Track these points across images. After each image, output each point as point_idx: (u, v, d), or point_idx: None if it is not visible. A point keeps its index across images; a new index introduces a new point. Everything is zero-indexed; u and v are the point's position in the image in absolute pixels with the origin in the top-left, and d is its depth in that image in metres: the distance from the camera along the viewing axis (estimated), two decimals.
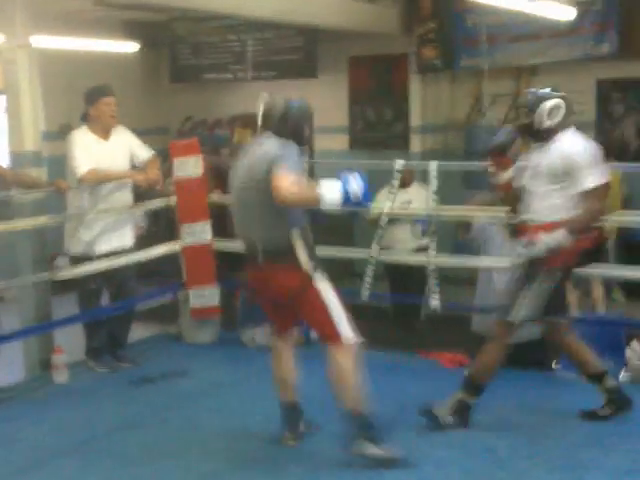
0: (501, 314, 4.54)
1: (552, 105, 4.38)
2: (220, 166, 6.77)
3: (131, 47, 9.76)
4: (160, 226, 7.90)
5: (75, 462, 4.23)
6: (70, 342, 5.82)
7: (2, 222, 5.30)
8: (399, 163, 5.98)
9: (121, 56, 9.85)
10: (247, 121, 10.20)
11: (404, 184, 7.35)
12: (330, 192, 3.81)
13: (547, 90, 4.50)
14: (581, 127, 9.86)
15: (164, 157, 6.23)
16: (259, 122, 4.19)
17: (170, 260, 6.39)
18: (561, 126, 4.43)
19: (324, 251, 5.98)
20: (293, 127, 4.11)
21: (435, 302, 5.65)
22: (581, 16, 8.59)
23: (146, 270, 6.91)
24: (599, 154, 4.44)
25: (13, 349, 5.53)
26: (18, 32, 5.62)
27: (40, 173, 5.86)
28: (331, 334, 4.01)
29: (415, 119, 10.33)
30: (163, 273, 7.35)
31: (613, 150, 9.00)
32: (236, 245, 6.15)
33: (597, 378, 4.62)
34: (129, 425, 4.71)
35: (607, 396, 4.58)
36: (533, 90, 4.60)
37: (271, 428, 4.49)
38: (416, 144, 10.28)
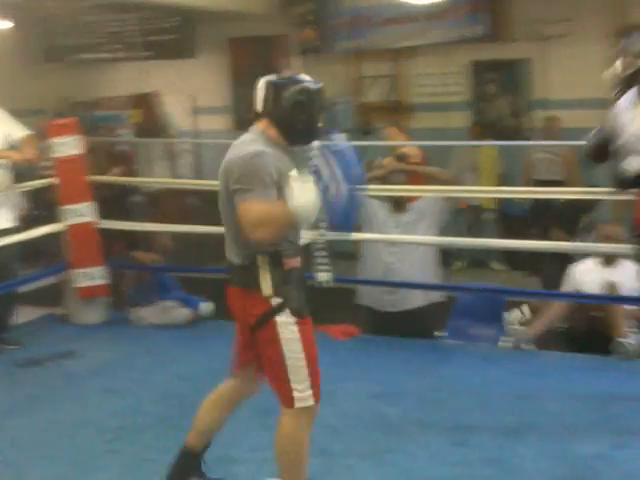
0: None
1: None
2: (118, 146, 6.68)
3: (3, 26, 9.45)
4: (42, 208, 7.72)
5: None
6: None
7: None
8: None
9: None
10: (138, 102, 10.09)
11: None
12: (304, 202, 2.98)
13: None
14: (458, 107, 10.25)
15: (41, 138, 6.10)
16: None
17: (56, 241, 6.27)
18: None
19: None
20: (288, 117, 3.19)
21: (325, 276, 5.73)
22: None
23: (32, 252, 6.76)
24: None
25: None
26: None
27: None
28: (283, 393, 3.22)
29: None
30: (49, 254, 7.22)
31: (489, 129, 9.35)
32: (130, 224, 6.19)
33: None
34: (18, 408, 4.61)
35: None
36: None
37: (161, 406, 4.54)
38: None
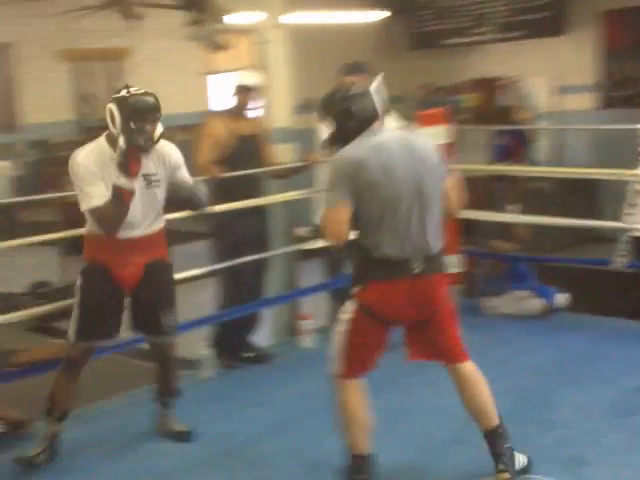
0: None
1: None
2: None
3: (378, 16, 9.81)
4: None
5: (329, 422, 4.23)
6: (316, 308, 6.01)
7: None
8: None
9: (362, 26, 9.96)
10: (479, 86, 10.00)
11: None
12: None
13: None
14: None
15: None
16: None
17: None
18: None
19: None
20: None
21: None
22: None
23: None
24: None
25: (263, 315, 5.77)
26: (275, 11, 5.90)
27: (289, 149, 6.08)
28: (462, 350, 3.68)
29: None
30: None
31: None
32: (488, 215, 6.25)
33: None
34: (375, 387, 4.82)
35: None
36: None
37: (508, 398, 4.50)
38: None
